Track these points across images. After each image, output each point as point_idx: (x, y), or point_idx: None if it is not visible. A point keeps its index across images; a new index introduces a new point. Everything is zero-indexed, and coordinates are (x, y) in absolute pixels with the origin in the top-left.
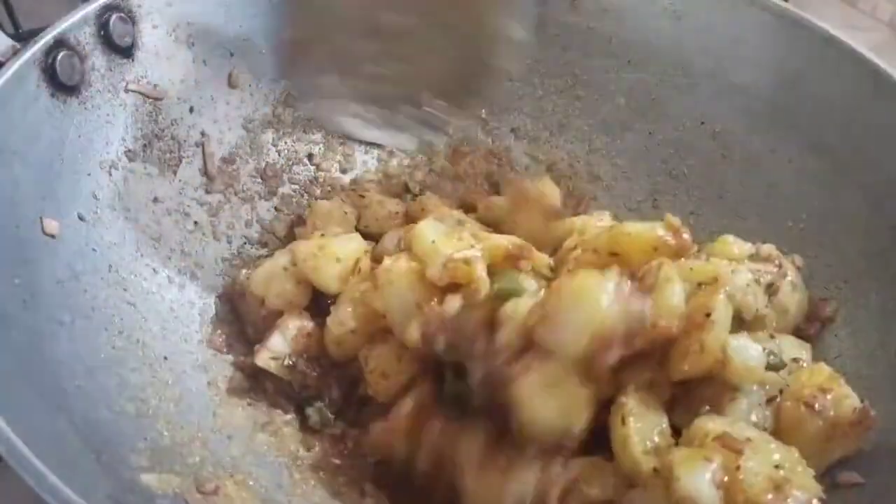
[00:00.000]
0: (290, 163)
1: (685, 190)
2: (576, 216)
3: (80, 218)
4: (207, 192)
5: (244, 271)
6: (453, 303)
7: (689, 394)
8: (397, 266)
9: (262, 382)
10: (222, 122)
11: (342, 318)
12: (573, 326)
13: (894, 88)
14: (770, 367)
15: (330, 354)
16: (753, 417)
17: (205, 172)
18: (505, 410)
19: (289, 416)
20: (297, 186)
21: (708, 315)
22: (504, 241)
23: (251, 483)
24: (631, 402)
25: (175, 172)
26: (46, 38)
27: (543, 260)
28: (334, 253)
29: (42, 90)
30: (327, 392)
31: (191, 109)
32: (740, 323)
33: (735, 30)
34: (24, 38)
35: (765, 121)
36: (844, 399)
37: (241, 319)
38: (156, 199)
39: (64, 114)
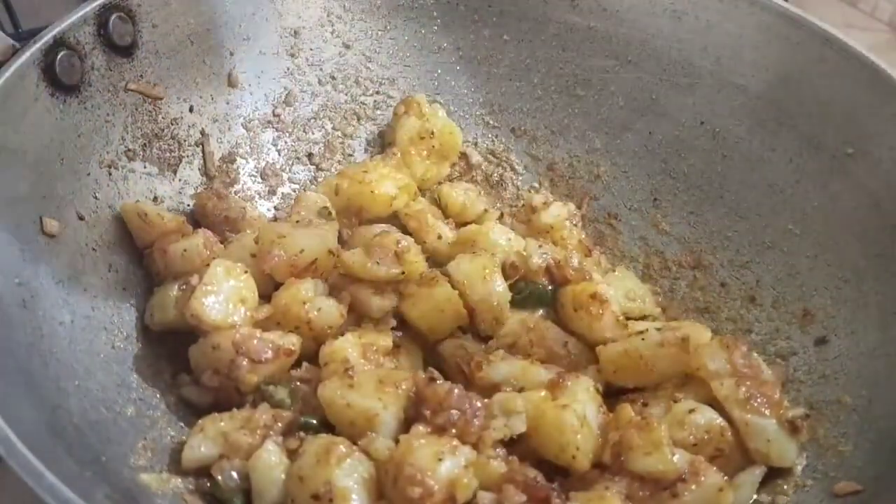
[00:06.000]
0: (290, 163)
1: (685, 190)
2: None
3: (80, 217)
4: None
5: None
6: None
7: None
8: None
9: None
10: (222, 122)
11: None
12: None
13: (894, 88)
14: None
15: None
16: None
17: (205, 172)
18: None
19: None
20: (296, 186)
21: None
22: None
23: None
24: None
25: (175, 172)
26: (46, 38)
27: None
28: (296, 243)
29: (42, 90)
30: None
31: (191, 109)
32: None
33: (735, 30)
34: (24, 37)
35: (765, 121)
36: None
37: None
38: (156, 199)
39: (64, 113)
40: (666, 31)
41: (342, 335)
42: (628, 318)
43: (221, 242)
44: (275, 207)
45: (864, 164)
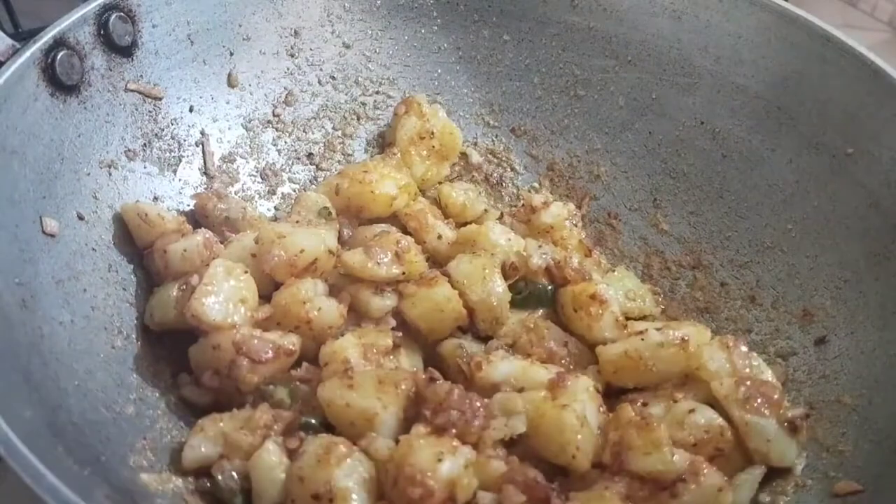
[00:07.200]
0: (290, 163)
1: (685, 190)
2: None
3: (80, 217)
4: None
5: None
6: None
7: None
8: None
9: None
10: (222, 122)
11: None
12: None
13: (894, 88)
14: None
15: None
16: None
17: (205, 172)
18: None
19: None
20: (296, 186)
21: None
22: None
23: None
24: None
25: (175, 172)
26: (46, 38)
27: None
28: (296, 243)
29: (42, 90)
30: None
31: (190, 109)
32: None
33: (735, 29)
34: (23, 37)
35: (765, 121)
36: None
37: None
38: (156, 199)
39: (63, 113)
40: (666, 31)
41: (342, 335)
42: (628, 318)
43: (221, 242)
44: (275, 207)
45: (864, 164)
